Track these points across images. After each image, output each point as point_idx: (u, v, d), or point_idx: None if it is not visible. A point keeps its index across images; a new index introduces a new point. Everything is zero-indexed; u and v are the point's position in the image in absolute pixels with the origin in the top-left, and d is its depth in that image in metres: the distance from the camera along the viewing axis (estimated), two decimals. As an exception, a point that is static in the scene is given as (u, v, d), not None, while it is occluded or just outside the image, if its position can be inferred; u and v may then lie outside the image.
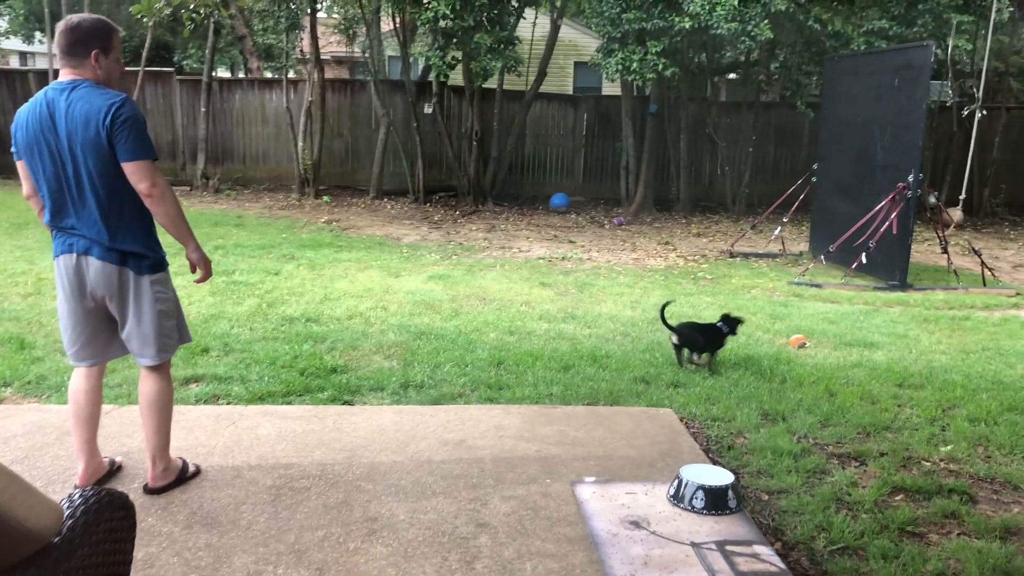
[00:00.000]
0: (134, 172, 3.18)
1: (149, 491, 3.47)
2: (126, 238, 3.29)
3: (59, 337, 5.57)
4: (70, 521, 1.83)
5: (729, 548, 3.23)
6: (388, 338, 6.05)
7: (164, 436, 3.49)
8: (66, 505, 1.87)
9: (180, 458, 3.66)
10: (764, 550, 3.23)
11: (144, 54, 15.47)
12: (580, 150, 17.23)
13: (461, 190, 15.59)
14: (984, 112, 13.31)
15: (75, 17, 3.25)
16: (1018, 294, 9.17)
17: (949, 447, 4.42)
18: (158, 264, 3.40)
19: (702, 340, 5.62)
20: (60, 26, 3.24)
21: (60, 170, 3.22)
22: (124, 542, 2.05)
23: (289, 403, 4.70)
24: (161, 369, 3.46)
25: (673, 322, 5.69)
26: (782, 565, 3.14)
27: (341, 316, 6.69)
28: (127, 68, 17.78)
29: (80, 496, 1.90)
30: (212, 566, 2.95)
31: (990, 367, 6.01)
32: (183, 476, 3.59)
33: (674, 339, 5.60)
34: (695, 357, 5.65)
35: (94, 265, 3.28)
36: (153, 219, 3.37)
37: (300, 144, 15.30)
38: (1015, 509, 3.79)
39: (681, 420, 4.62)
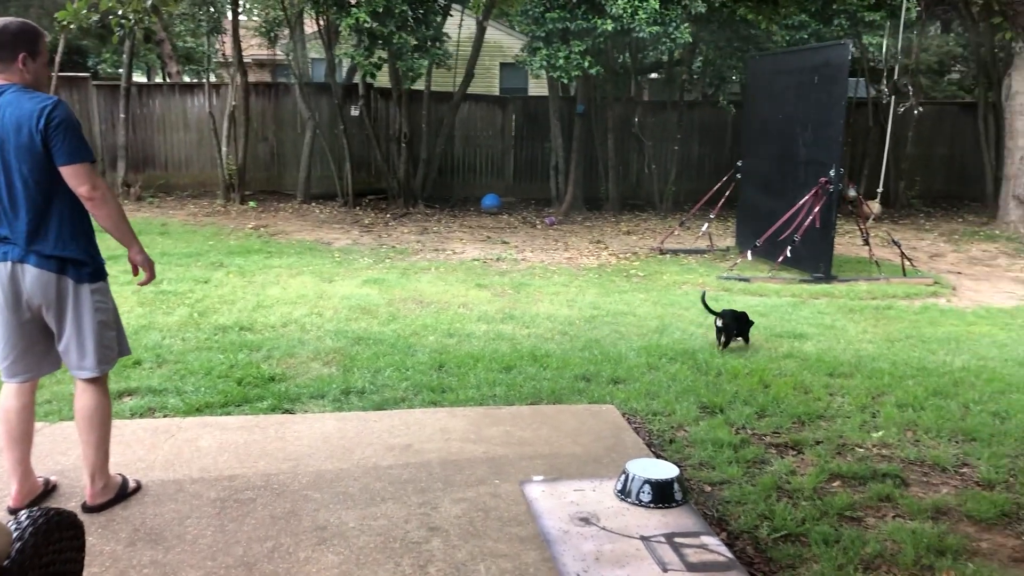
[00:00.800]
0: (73, 176, 3.09)
1: (88, 509, 3.37)
2: (67, 245, 3.19)
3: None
4: (19, 543, 1.77)
5: (678, 540, 3.29)
6: (325, 344, 5.98)
7: (103, 452, 3.40)
8: (14, 527, 1.81)
9: (119, 474, 3.56)
10: (711, 540, 3.30)
11: (57, 59, 14.97)
12: (509, 151, 17.30)
13: (391, 192, 15.50)
14: (920, 109, 13.86)
15: None
16: (936, 283, 9.54)
17: (880, 433, 4.58)
18: (98, 272, 3.31)
19: (735, 326, 6.23)
20: None
21: None
22: (74, 562, 2.00)
23: (228, 414, 4.61)
24: (99, 383, 3.36)
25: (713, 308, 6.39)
26: (729, 554, 3.21)
27: (275, 323, 6.59)
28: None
29: (28, 517, 1.85)
30: (160, 583, 2.89)
31: (914, 354, 6.24)
32: (123, 493, 3.49)
33: (718, 323, 6.19)
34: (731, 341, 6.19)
35: (31, 273, 3.17)
36: (92, 225, 3.28)
37: (224, 149, 15.01)
38: (944, 490, 3.95)
39: (623, 416, 4.68)
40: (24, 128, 3.04)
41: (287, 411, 4.70)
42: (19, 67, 3.14)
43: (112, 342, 3.38)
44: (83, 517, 3.30)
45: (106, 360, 3.35)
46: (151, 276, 3.48)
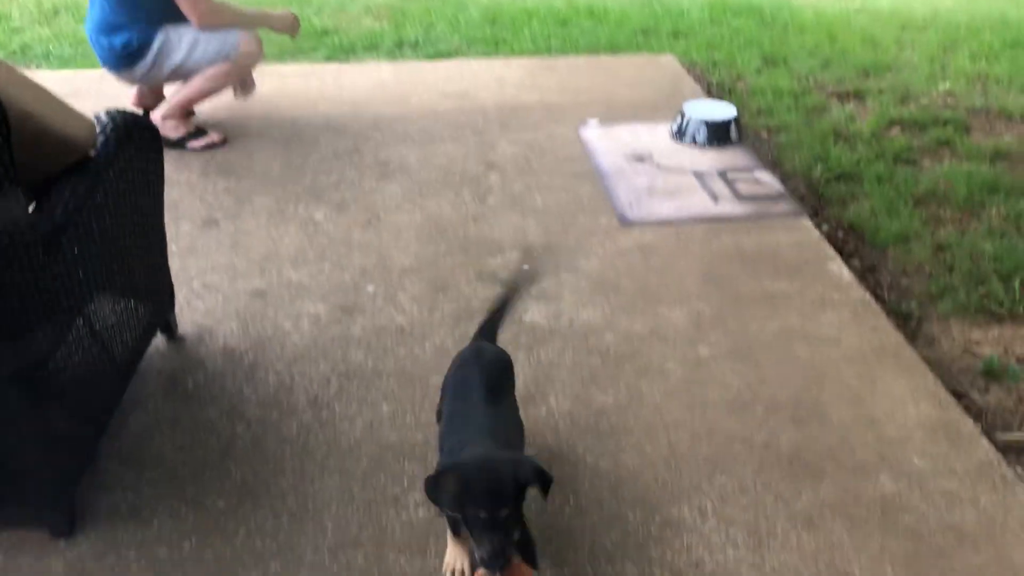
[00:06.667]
0: None
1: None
2: None
3: (35, 7, 5.35)
4: (103, 136, 1.87)
5: (731, 175, 3.34)
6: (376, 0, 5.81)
7: (187, 93, 3.46)
8: (96, 124, 1.90)
9: (203, 128, 3.59)
10: (764, 176, 3.35)
11: None
12: None
13: None
14: None
15: None
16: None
17: (948, 83, 4.44)
18: None
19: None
20: None
21: None
22: (155, 161, 2.11)
23: (283, 64, 4.61)
24: None
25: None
26: (781, 187, 3.27)
27: (324, -21, 6.37)
28: None
29: (107, 116, 1.92)
30: (236, 205, 3.06)
31: (996, 5, 5.86)
32: (178, 140, 3.47)
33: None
34: None
35: None
36: None
37: None
38: (1006, 136, 3.89)
39: (683, 66, 4.58)
40: None
41: (342, 62, 4.68)
42: None
43: None
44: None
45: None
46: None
